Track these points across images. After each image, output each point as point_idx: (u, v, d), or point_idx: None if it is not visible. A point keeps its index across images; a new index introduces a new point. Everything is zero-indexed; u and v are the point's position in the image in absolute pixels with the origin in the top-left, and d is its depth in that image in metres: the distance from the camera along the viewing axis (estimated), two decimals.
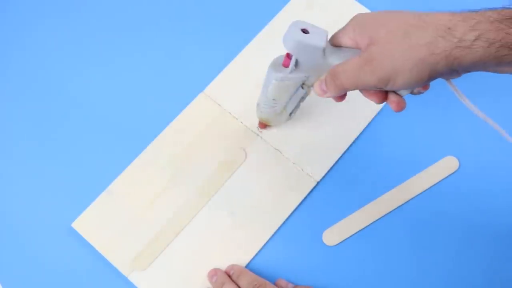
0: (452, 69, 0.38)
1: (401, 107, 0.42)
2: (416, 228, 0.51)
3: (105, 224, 0.50)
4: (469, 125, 0.54)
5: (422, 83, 0.39)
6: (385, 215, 0.51)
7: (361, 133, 0.54)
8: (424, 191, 0.52)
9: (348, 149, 0.53)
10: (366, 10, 0.58)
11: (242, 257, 0.50)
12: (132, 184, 0.52)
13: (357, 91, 0.43)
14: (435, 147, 0.53)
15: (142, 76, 0.57)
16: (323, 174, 0.52)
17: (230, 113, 0.54)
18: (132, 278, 0.49)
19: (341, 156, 0.53)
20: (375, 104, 0.54)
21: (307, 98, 0.52)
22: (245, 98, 0.55)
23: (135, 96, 0.56)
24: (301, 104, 0.50)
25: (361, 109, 0.55)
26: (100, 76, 0.57)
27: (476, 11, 0.38)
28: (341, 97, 0.45)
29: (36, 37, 0.58)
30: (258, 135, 0.54)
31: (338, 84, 0.41)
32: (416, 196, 0.52)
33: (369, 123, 0.54)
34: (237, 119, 0.54)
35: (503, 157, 0.53)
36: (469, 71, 0.40)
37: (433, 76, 0.39)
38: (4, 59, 0.58)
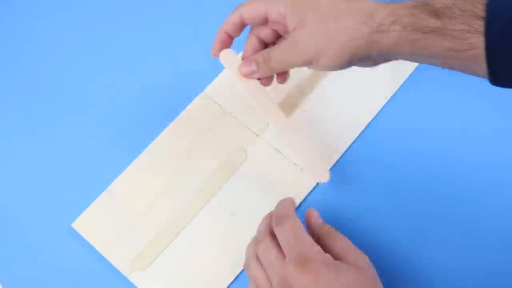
0: (370, 55, 0.41)
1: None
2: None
3: (105, 224, 0.50)
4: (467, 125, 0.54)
5: (342, 67, 0.43)
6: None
7: (361, 134, 0.54)
8: None
9: (348, 149, 0.53)
10: None
11: (242, 257, 0.50)
12: (132, 184, 0.52)
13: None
14: (435, 147, 0.53)
15: (142, 76, 0.57)
16: None
17: (230, 113, 0.54)
18: (132, 278, 0.49)
19: (341, 156, 0.53)
20: (375, 105, 0.55)
21: (307, 102, 0.53)
22: (245, 98, 0.55)
23: (135, 96, 0.56)
24: (301, 106, 0.49)
25: (361, 110, 0.55)
26: (100, 76, 0.57)
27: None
28: (268, 79, 0.48)
29: (35, 37, 0.58)
30: (258, 135, 0.54)
31: (271, 67, 0.45)
32: None
33: (369, 124, 0.54)
34: (237, 119, 0.54)
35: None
36: (387, 59, 0.43)
37: (352, 61, 0.42)
38: (4, 59, 0.58)
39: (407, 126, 0.54)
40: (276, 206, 0.46)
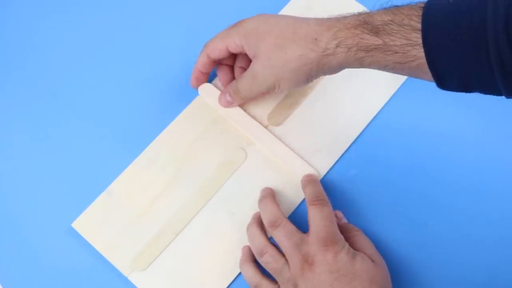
0: (324, 72, 0.45)
1: None
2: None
3: (105, 224, 0.50)
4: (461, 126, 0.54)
5: (303, 85, 0.48)
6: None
7: (360, 134, 0.54)
8: None
9: (347, 149, 0.53)
10: (366, 10, 0.58)
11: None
12: (132, 184, 0.52)
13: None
14: (435, 147, 0.54)
15: (142, 75, 0.57)
16: (323, 174, 0.52)
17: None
18: (132, 278, 0.49)
19: (341, 157, 0.53)
20: (375, 106, 0.55)
21: (307, 102, 0.53)
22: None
23: (135, 95, 0.56)
24: (301, 106, 0.52)
25: (360, 110, 0.55)
26: (100, 75, 0.57)
27: (339, 18, 0.44)
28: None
29: (36, 37, 0.58)
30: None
31: (242, 97, 0.51)
32: None
33: (369, 124, 0.54)
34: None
35: None
36: (343, 69, 0.46)
37: (309, 79, 0.46)
38: (4, 59, 0.57)
39: (407, 126, 0.54)
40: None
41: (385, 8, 0.42)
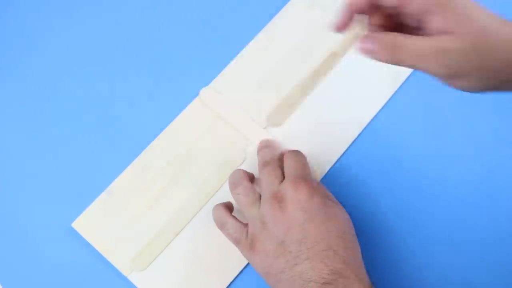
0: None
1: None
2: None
3: (105, 224, 0.50)
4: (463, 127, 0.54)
5: (486, 91, 0.37)
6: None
7: (360, 133, 0.54)
8: None
9: (347, 149, 0.53)
10: None
11: (241, 257, 0.50)
12: (132, 184, 0.52)
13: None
14: (431, 146, 0.54)
15: (142, 75, 0.57)
16: (323, 175, 0.52)
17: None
18: (132, 278, 0.49)
19: (340, 156, 0.53)
20: (375, 106, 0.55)
21: (307, 102, 0.53)
22: (246, 98, 0.55)
23: (135, 95, 0.56)
24: (301, 106, 0.52)
25: (360, 110, 0.55)
26: (100, 75, 0.57)
27: None
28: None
29: (37, 37, 0.58)
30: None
31: (398, 57, 0.36)
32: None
33: (369, 124, 0.54)
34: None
35: None
36: None
37: (501, 87, 0.37)
38: (4, 59, 0.57)
39: (407, 126, 0.54)
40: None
41: None
